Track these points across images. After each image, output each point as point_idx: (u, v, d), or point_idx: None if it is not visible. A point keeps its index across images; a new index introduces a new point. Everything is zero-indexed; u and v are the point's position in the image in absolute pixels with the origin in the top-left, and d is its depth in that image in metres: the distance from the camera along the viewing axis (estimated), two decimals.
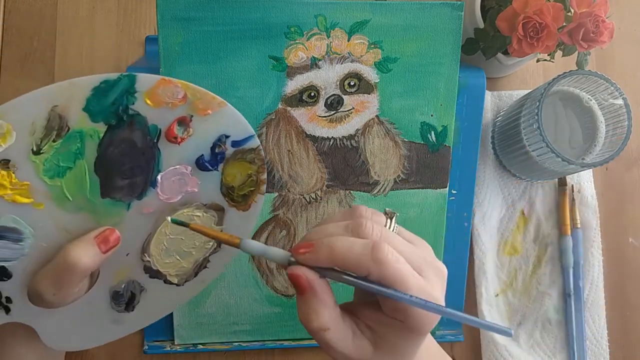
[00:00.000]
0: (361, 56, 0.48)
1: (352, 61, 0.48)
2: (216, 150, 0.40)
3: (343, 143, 0.49)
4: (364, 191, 0.50)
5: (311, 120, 0.49)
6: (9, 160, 0.35)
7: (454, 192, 0.53)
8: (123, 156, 0.38)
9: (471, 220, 0.54)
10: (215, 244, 0.42)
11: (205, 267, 0.43)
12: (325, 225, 0.35)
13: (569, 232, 0.57)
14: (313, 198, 0.50)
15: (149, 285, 0.42)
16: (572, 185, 0.58)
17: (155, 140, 0.38)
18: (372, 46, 0.48)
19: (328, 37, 0.47)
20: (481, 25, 0.50)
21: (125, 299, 0.41)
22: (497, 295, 0.57)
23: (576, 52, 0.48)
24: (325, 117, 0.49)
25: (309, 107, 0.48)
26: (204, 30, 0.46)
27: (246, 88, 0.47)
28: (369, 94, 0.49)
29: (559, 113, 0.53)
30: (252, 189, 0.42)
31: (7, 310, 0.38)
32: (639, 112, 0.56)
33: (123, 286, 0.41)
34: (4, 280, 0.37)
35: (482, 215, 0.56)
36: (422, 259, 0.34)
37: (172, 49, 0.46)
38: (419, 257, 0.34)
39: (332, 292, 0.34)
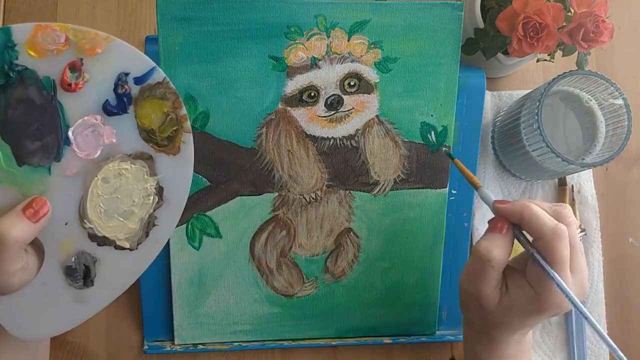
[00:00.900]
0: (361, 56, 0.48)
1: (352, 61, 0.48)
2: (119, 92, 0.38)
3: (343, 143, 0.49)
4: (364, 191, 0.50)
5: (311, 120, 0.49)
6: None
7: (454, 192, 0.53)
8: (25, 116, 0.36)
9: (471, 220, 0.54)
10: (157, 197, 0.41)
11: (155, 224, 0.41)
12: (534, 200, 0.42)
13: None
14: (313, 198, 0.50)
15: (101, 254, 0.41)
16: (572, 185, 0.58)
17: (52, 94, 0.37)
18: (372, 46, 0.48)
19: (328, 37, 0.47)
20: (481, 25, 0.50)
21: (80, 274, 0.40)
22: None
23: (576, 52, 0.48)
24: (325, 117, 0.49)
25: (309, 107, 0.48)
26: (204, 30, 0.46)
27: (246, 88, 0.47)
28: (369, 94, 0.49)
29: (559, 113, 0.53)
30: (174, 128, 0.40)
31: None
32: (639, 112, 0.56)
33: (73, 259, 0.40)
34: None
35: (482, 215, 0.55)
36: (582, 267, 0.40)
37: (172, 49, 0.46)
38: (581, 262, 0.40)
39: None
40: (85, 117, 0.38)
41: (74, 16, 0.56)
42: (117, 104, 0.38)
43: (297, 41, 0.47)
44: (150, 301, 0.51)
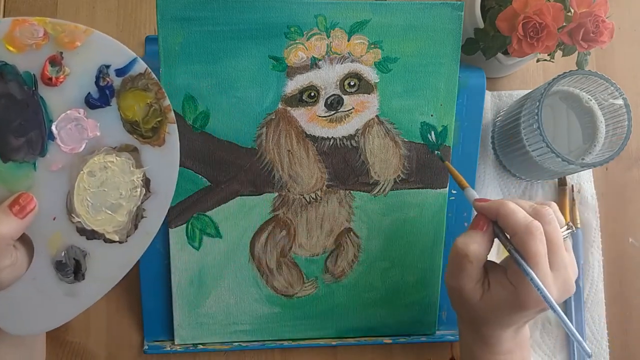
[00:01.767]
0: (361, 56, 0.48)
1: (352, 61, 0.48)
2: (101, 84, 0.38)
3: (343, 143, 0.49)
4: (364, 191, 0.50)
5: (311, 120, 0.49)
6: None
7: (454, 192, 0.53)
8: (7, 112, 0.36)
9: (471, 220, 0.54)
10: (144, 189, 0.41)
11: (143, 216, 0.41)
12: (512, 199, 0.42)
13: None
14: (313, 198, 0.50)
15: (90, 248, 0.41)
16: (572, 185, 0.58)
17: (33, 89, 0.37)
18: (372, 46, 0.48)
19: (328, 37, 0.47)
20: (481, 25, 0.50)
21: (70, 268, 0.40)
22: None
23: (576, 52, 0.48)
24: (325, 117, 0.49)
25: (309, 107, 0.48)
26: (204, 30, 0.46)
27: (246, 88, 0.47)
28: (369, 94, 0.49)
29: (559, 113, 0.53)
30: (159, 119, 0.40)
31: None
32: (639, 112, 0.56)
33: (63, 254, 0.40)
34: None
35: None
36: (564, 264, 0.39)
37: (172, 49, 0.46)
38: (564, 258, 0.39)
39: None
40: (68, 111, 0.38)
41: (74, 16, 0.56)
42: (100, 97, 0.38)
43: (297, 41, 0.47)
44: (151, 301, 0.51)
